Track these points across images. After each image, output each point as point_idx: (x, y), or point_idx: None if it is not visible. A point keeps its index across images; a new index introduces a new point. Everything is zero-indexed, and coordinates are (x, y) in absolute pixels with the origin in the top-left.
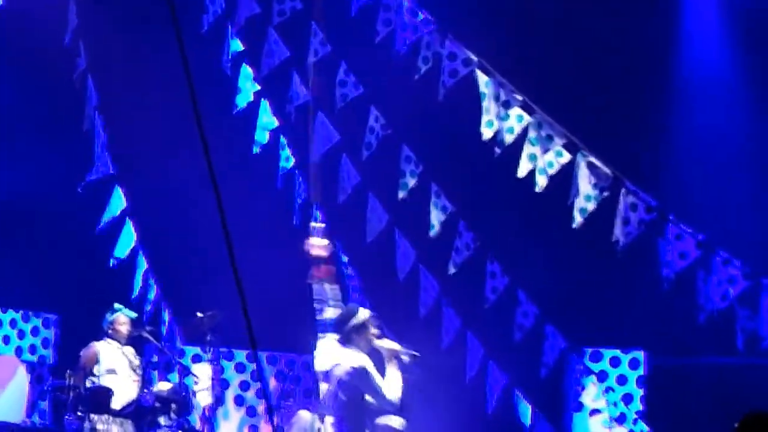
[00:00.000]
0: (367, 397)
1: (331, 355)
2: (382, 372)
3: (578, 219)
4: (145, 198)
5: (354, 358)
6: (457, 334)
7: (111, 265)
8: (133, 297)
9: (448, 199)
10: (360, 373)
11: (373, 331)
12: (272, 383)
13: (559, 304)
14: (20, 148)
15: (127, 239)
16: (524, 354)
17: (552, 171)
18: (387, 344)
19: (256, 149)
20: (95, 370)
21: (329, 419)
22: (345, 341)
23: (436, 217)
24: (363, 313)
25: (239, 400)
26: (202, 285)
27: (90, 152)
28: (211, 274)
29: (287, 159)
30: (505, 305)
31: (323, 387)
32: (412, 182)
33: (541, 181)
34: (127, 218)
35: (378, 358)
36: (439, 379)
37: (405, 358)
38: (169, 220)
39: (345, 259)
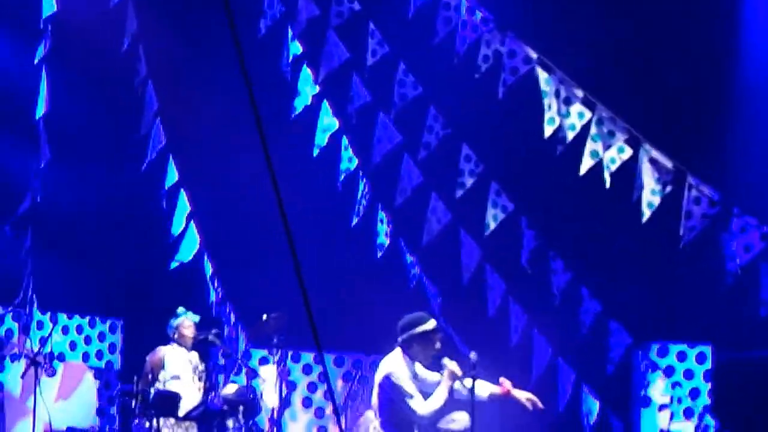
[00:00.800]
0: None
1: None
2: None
3: (647, 213)
4: (207, 201)
5: (387, 365)
6: (524, 331)
7: (172, 268)
8: (204, 301)
9: (509, 197)
10: (387, 380)
11: (437, 345)
12: (339, 384)
13: (624, 300)
14: (82, 154)
15: (191, 243)
16: (591, 350)
17: (614, 167)
18: (450, 365)
19: (315, 151)
20: (160, 376)
21: (377, 422)
22: (405, 346)
23: (492, 216)
24: (430, 324)
25: (307, 402)
26: (266, 287)
27: (152, 158)
28: (276, 276)
29: (350, 160)
30: (570, 302)
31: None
32: (470, 181)
33: (607, 176)
34: (191, 222)
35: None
36: (507, 376)
37: (466, 383)
38: (232, 223)
39: (411, 259)
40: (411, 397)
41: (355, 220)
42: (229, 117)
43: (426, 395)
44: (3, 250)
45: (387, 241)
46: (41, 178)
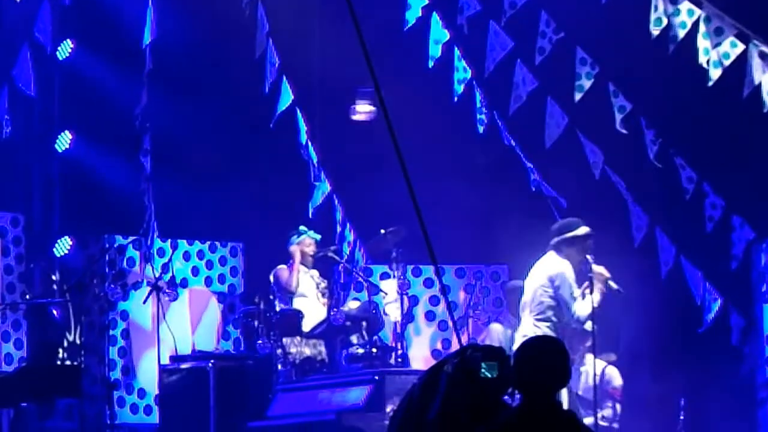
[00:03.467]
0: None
1: (540, 262)
2: None
3: None
4: (323, 120)
5: (553, 266)
6: (647, 231)
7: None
8: (322, 219)
9: (626, 97)
10: (557, 278)
11: (588, 253)
12: (461, 296)
13: (742, 195)
14: (192, 80)
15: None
16: (713, 247)
17: (727, 62)
18: (599, 270)
19: (431, 63)
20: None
21: (530, 318)
22: (558, 249)
23: (614, 117)
24: (581, 230)
25: (430, 316)
26: (384, 202)
27: (262, 80)
28: (394, 190)
29: (465, 70)
30: (693, 198)
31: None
32: (588, 84)
33: (715, 74)
34: (309, 143)
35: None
36: (634, 279)
37: (613, 285)
38: (349, 140)
39: (530, 165)
40: (572, 299)
41: (480, 129)
42: (343, 35)
43: None
44: (127, 181)
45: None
46: (154, 104)
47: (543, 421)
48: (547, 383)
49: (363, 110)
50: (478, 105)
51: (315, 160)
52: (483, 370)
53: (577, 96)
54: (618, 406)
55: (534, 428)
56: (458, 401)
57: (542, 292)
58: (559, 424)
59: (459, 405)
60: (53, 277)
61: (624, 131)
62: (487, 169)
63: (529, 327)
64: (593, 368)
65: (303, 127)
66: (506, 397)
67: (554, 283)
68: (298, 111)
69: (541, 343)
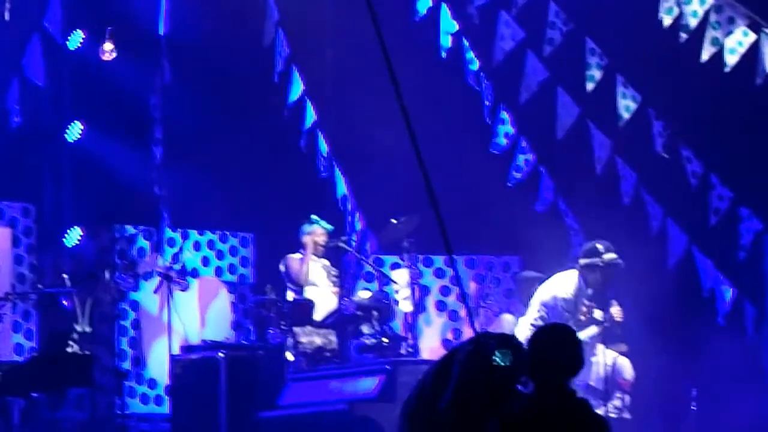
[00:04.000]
0: None
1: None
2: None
3: None
4: (334, 110)
5: (555, 286)
6: (660, 222)
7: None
8: (332, 210)
9: (636, 89)
10: (553, 299)
11: (610, 278)
12: (472, 286)
13: (753, 186)
14: (205, 68)
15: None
16: (723, 237)
17: (742, 50)
18: (614, 311)
19: (443, 54)
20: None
21: (528, 320)
22: (585, 270)
23: (624, 107)
24: (606, 257)
25: (441, 306)
26: (395, 192)
27: (272, 68)
28: (405, 181)
29: (471, 61)
30: (702, 189)
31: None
32: (598, 74)
33: (731, 60)
34: (318, 131)
35: None
36: (644, 265)
37: (616, 328)
38: (360, 131)
39: (530, 157)
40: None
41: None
42: (353, 24)
43: None
44: (137, 171)
45: (505, 142)
46: (165, 94)
47: (556, 409)
48: (560, 372)
49: (107, 49)
50: (487, 99)
51: (325, 150)
52: (496, 358)
53: (589, 86)
54: (627, 397)
55: (547, 417)
56: (471, 389)
57: (539, 308)
58: (573, 413)
59: (471, 393)
60: (63, 267)
61: (619, 124)
62: (499, 160)
63: (527, 328)
64: (604, 358)
65: (312, 117)
66: (519, 386)
67: (545, 309)
68: (308, 101)
69: (554, 332)
